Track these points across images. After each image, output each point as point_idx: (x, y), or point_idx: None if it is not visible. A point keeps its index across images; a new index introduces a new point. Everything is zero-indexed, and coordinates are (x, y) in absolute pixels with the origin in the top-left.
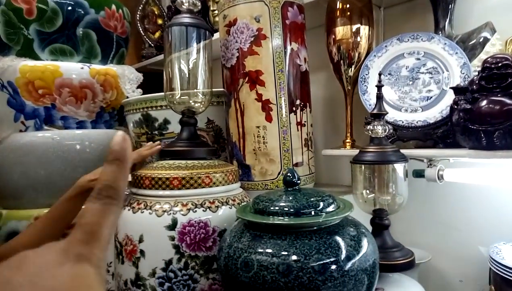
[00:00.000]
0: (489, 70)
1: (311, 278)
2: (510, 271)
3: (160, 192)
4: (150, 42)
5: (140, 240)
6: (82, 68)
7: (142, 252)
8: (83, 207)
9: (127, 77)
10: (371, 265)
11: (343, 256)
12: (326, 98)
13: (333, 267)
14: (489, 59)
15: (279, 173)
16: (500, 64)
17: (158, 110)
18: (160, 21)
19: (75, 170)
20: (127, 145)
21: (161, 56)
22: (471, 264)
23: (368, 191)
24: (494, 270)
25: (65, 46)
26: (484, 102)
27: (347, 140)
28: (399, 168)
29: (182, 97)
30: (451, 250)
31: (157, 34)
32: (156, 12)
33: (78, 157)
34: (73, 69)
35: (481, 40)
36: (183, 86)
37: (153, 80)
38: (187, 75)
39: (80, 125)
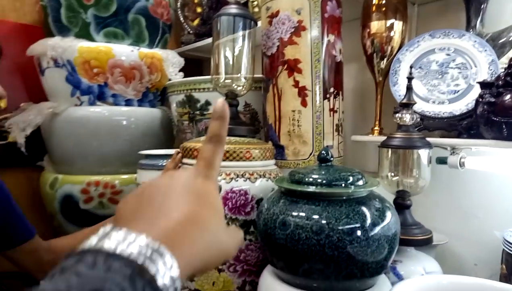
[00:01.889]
0: None
1: (340, 238)
2: None
3: None
4: (189, 30)
5: None
6: (132, 51)
7: None
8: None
9: (170, 61)
10: (393, 234)
11: (368, 222)
12: (357, 88)
13: (359, 231)
14: None
15: (310, 154)
16: None
17: (200, 92)
18: (199, 10)
19: (122, 143)
20: (226, 106)
21: (199, 43)
22: (485, 249)
23: (393, 174)
24: (507, 250)
25: (117, 30)
26: (508, 97)
27: (376, 128)
28: (424, 153)
29: (226, 81)
30: (468, 235)
31: (196, 22)
32: (195, 1)
33: (125, 132)
34: (124, 51)
35: (510, 38)
36: (228, 71)
37: (191, 65)
38: (231, 61)
39: (128, 103)
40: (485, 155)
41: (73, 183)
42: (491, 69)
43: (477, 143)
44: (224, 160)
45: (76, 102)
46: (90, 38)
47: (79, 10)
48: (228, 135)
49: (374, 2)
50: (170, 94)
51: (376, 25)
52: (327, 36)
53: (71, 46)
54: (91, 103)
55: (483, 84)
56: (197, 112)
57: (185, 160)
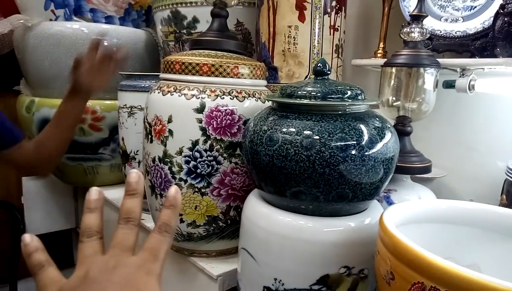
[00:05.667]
0: None
1: (333, 154)
2: None
3: (189, 77)
4: None
5: (169, 121)
6: None
7: (170, 131)
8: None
9: None
10: (390, 157)
11: (364, 141)
12: (362, 6)
13: (354, 148)
14: None
15: (306, 77)
16: None
17: (187, 6)
18: None
19: None
20: (179, 194)
21: None
22: (483, 184)
23: (394, 98)
24: (510, 179)
25: None
26: None
27: (379, 51)
28: (431, 73)
29: None
30: (466, 170)
31: None
32: None
33: None
34: None
35: None
36: None
37: None
38: None
39: (108, 20)
40: (497, 76)
41: (50, 106)
42: None
43: (492, 62)
44: (208, 75)
45: (50, 16)
46: None
47: None
48: (214, 49)
49: None
50: (155, 11)
51: None
52: None
53: None
54: (67, 19)
55: None
56: (184, 31)
57: (164, 75)
